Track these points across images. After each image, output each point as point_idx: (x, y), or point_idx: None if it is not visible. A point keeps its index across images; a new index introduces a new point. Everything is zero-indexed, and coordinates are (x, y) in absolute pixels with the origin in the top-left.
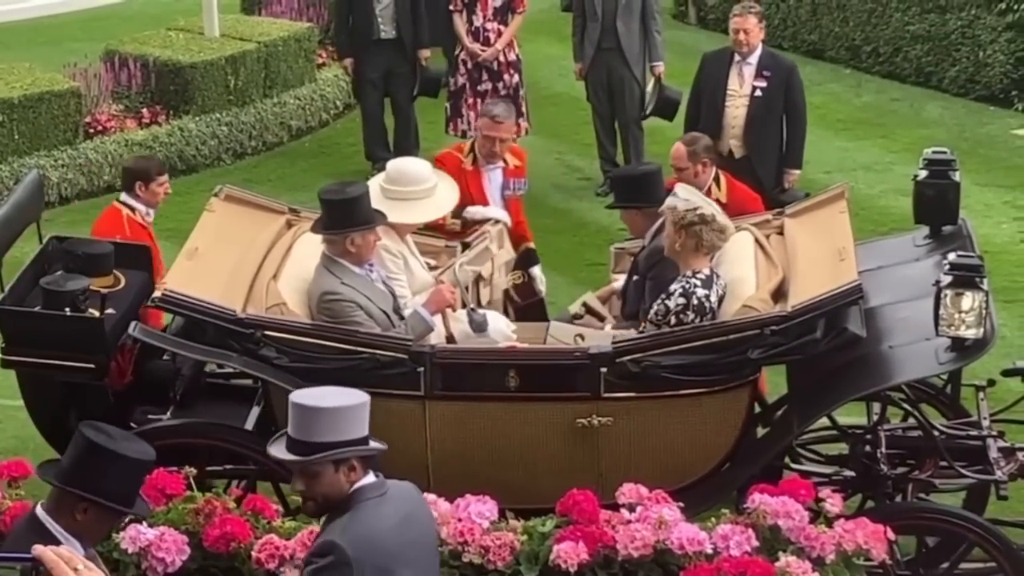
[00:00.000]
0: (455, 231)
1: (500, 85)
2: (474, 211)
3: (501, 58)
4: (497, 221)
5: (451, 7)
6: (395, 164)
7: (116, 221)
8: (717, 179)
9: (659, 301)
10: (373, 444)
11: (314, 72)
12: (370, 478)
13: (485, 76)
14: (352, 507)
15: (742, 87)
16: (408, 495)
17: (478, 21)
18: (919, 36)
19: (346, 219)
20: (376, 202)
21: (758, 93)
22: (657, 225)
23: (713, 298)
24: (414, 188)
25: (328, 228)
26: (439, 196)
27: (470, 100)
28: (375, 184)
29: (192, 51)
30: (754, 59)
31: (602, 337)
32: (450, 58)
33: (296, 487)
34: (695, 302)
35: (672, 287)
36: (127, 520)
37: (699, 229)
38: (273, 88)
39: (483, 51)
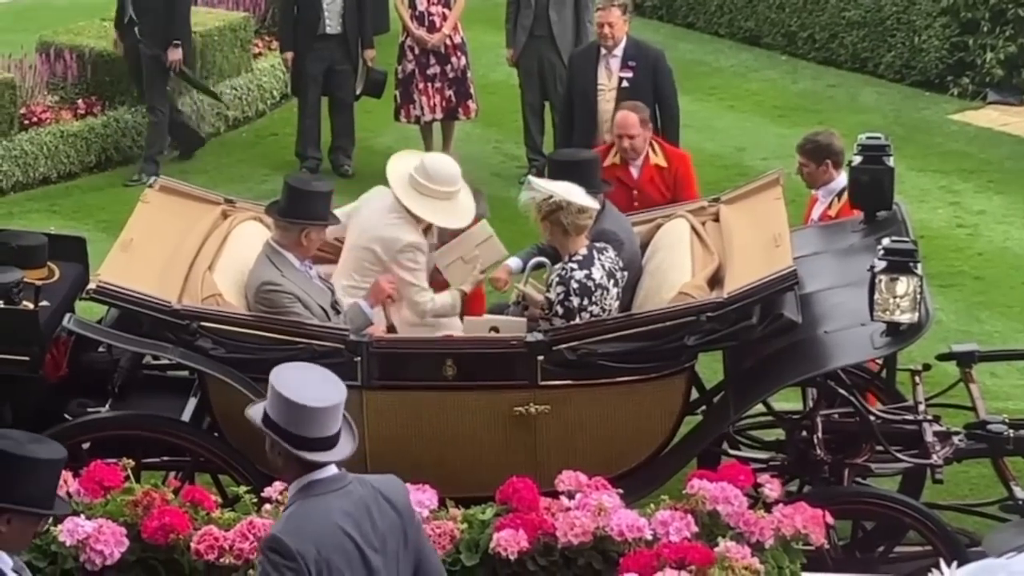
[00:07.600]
0: None
1: (448, 68)
2: None
3: (448, 41)
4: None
5: None
6: (432, 159)
7: None
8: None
9: (543, 295)
10: (328, 455)
11: (251, 62)
12: (328, 472)
13: (433, 60)
14: (299, 500)
15: (610, 80)
16: (390, 486)
17: (422, 6)
18: (855, 22)
19: (309, 211)
20: (401, 190)
21: (624, 84)
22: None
23: (597, 274)
24: (444, 188)
25: (287, 215)
26: (461, 202)
27: (420, 85)
28: (402, 169)
29: None
30: (620, 51)
31: (516, 328)
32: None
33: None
34: (575, 286)
35: (551, 278)
36: (50, 521)
37: (559, 216)
38: (209, 78)
39: (430, 37)
